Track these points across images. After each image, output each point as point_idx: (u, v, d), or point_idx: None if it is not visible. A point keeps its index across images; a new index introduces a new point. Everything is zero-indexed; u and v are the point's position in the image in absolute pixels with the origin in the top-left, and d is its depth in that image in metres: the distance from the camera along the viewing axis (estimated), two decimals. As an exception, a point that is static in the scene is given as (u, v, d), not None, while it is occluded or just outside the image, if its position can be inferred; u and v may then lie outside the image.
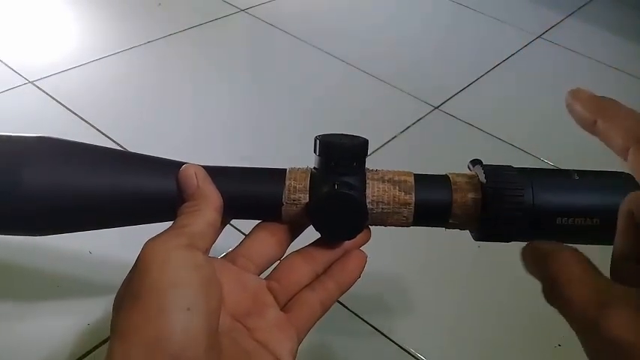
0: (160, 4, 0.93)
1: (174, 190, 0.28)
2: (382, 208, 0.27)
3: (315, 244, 0.30)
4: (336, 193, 0.27)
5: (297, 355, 0.45)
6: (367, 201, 0.27)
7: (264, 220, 0.30)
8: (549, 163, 0.68)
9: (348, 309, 0.49)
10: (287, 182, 0.28)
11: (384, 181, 0.28)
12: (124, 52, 0.80)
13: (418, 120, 0.74)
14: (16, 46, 0.78)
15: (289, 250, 0.31)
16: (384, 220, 0.28)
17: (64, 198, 0.26)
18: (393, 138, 0.70)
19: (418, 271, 0.53)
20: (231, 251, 0.30)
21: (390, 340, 0.47)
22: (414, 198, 0.28)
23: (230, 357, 0.24)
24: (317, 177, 0.28)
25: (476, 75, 0.85)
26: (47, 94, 0.70)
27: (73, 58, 0.77)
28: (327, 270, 0.30)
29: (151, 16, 0.90)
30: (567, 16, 1.07)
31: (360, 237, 0.29)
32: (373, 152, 0.67)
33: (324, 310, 0.29)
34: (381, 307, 0.50)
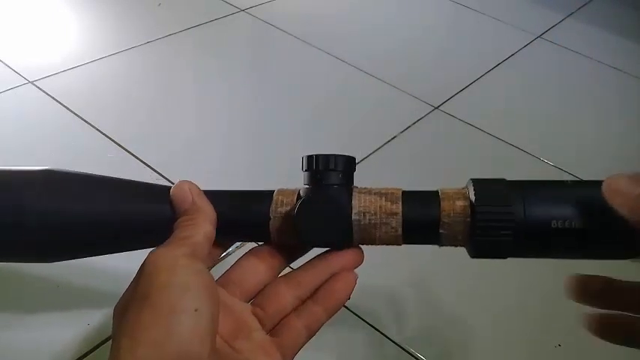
0: (160, 4, 0.93)
1: (169, 215, 0.28)
2: (369, 220, 0.27)
3: (302, 268, 0.30)
4: (318, 195, 0.27)
5: (298, 355, 0.45)
6: (353, 212, 0.27)
7: (253, 240, 0.31)
8: (549, 163, 0.68)
9: (348, 309, 0.49)
10: (275, 198, 0.29)
11: (370, 194, 0.28)
12: (124, 52, 0.80)
13: (418, 120, 0.74)
14: (16, 47, 0.78)
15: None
16: (373, 233, 0.28)
17: (65, 229, 0.27)
18: (393, 138, 0.70)
19: (418, 272, 0.53)
20: (221, 277, 0.30)
21: (390, 340, 0.47)
22: (401, 207, 0.27)
23: None
24: (304, 191, 0.29)
25: (476, 75, 0.85)
26: (47, 94, 0.70)
27: (73, 58, 0.77)
28: (314, 293, 0.29)
29: (151, 16, 0.90)
30: (567, 16, 1.07)
31: (351, 258, 0.30)
32: (373, 152, 0.67)
33: (311, 334, 0.29)
34: (381, 307, 0.50)
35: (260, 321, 0.29)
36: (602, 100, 0.85)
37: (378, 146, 0.68)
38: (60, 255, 0.29)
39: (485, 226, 0.26)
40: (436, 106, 0.77)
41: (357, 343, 0.47)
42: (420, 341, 0.47)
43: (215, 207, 0.28)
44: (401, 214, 0.27)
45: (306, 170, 0.29)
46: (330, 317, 0.29)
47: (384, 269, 0.53)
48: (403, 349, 0.46)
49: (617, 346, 0.48)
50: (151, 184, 0.30)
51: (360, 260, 0.30)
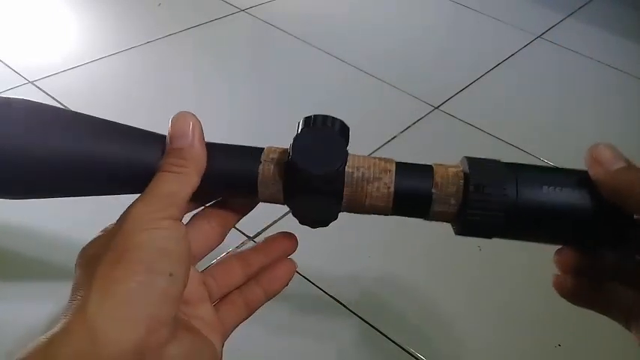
0: (160, 4, 0.93)
1: (152, 162, 0.26)
2: (363, 173, 0.27)
3: (253, 249, 0.31)
4: (314, 128, 0.27)
5: (299, 354, 0.45)
6: (347, 165, 0.27)
7: (238, 192, 0.29)
8: (549, 164, 0.68)
9: (348, 309, 0.49)
10: (266, 149, 0.28)
11: (364, 156, 0.28)
12: (124, 52, 0.80)
13: (418, 120, 0.74)
14: (17, 47, 0.78)
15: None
16: (364, 188, 0.27)
17: (36, 161, 0.25)
18: (393, 138, 0.70)
19: (419, 272, 0.53)
20: None
21: (390, 340, 0.47)
22: (394, 166, 0.27)
23: (183, 329, 0.24)
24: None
25: (476, 75, 0.85)
26: (47, 94, 0.70)
27: (74, 58, 0.77)
28: (257, 275, 0.30)
29: (151, 16, 0.90)
30: (567, 16, 1.07)
31: (289, 244, 0.31)
32: (373, 152, 0.67)
33: (250, 313, 0.30)
34: (381, 307, 0.50)
35: (209, 291, 0.29)
36: (602, 100, 0.85)
37: (378, 146, 0.68)
38: (19, 192, 0.27)
39: (479, 185, 0.26)
40: (436, 106, 0.77)
41: (357, 343, 0.47)
42: (420, 341, 0.47)
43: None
44: (394, 172, 0.27)
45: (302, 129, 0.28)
46: (269, 300, 0.31)
47: (384, 269, 0.53)
48: (403, 348, 0.46)
49: (617, 345, 0.48)
50: (142, 129, 0.29)
51: (295, 247, 0.31)
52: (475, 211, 0.26)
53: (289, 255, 0.31)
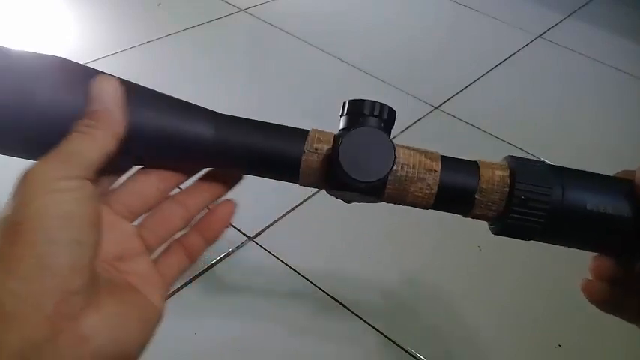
0: (159, 4, 0.93)
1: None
2: (407, 172, 0.27)
3: (186, 191, 0.29)
4: (364, 131, 0.26)
5: (299, 354, 0.45)
6: None
7: (279, 176, 0.28)
8: (550, 163, 0.68)
9: (348, 309, 0.49)
10: (311, 134, 0.28)
11: (409, 149, 0.28)
12: (124, 52, 0.80)
13: (418, 120, 0.74)
14: (16, 46, 0.78)
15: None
16: (407, 187, 0.27)
17: (70, 120, 0.24)
18: (393, 138, 0.70)
19: (419, 272, 0.53)
20: (109, 193, 0.27)
21: (390, 340, 0.47)
22: (440, 166, 0.27)
23: (107, 292, 0.23)
24: (342, 133, 0.27)
25: (476, 75, 0.85)
26: (47, 94, 0.70)
27: (73, 58, 0.77)
28: (196, 224, 0.29)
29: (150, 16, 0.90)
30: (567, 16, 1.07)
31: (222, 181, 0.29)
32: (373, 152, 0.67)
33: (192, 262, 0.29)
34: (381, 307, 0.50)
35: (146, 243, 0.28)
36: (602, 100, 0.85)
37: (378, 146, 0.68)
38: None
39: (524, 198, 0.25)
40: (436, 106, 0.77)
41: (357, 343, 0.47)
42: (420, 340, 0.47)
43: (242, 136, 0.27)
44: (439, 173, 0.27)
45: (347, 114, 0.28)
46: (210, 245, 0.29)
47: (385, 269, 0.53)
48: (403, 348, 0.46)
49: (617, 346, 0.48)
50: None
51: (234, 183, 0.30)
52: (516, 220, 0.26)
53: (226, 192, 0.29)
